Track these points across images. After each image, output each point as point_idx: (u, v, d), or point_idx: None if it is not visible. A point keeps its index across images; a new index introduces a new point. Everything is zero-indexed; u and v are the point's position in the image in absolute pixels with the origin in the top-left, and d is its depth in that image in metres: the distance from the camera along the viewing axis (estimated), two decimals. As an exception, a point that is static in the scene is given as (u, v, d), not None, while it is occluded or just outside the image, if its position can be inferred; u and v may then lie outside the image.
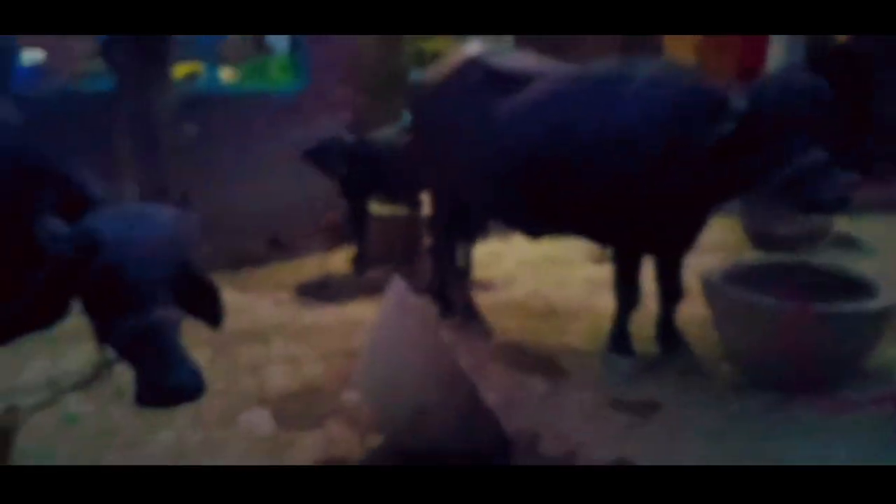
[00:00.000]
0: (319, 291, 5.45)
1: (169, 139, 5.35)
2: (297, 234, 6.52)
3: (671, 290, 4.18)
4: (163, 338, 2.27)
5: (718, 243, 6.37)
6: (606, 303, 4.30)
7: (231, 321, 4.60)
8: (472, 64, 4.26)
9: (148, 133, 5.24)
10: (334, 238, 6.42)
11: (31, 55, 6.77)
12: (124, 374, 2.46)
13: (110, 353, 2.37)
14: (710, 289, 3.97)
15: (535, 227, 4.35)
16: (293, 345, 4.43)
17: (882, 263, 5.93)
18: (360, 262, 5.87)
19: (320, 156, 5.69)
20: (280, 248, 6.45)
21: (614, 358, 4.13)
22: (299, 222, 6.55)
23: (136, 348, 2.26)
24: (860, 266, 5.73)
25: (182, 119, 5.58)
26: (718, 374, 4.06)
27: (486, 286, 5.53)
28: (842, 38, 8.56)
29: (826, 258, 5.95)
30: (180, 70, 6.81)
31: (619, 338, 4.16)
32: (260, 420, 3.52)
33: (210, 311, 2.60)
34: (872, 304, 3.69)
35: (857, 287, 3.95)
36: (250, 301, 5.14)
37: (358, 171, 5.64)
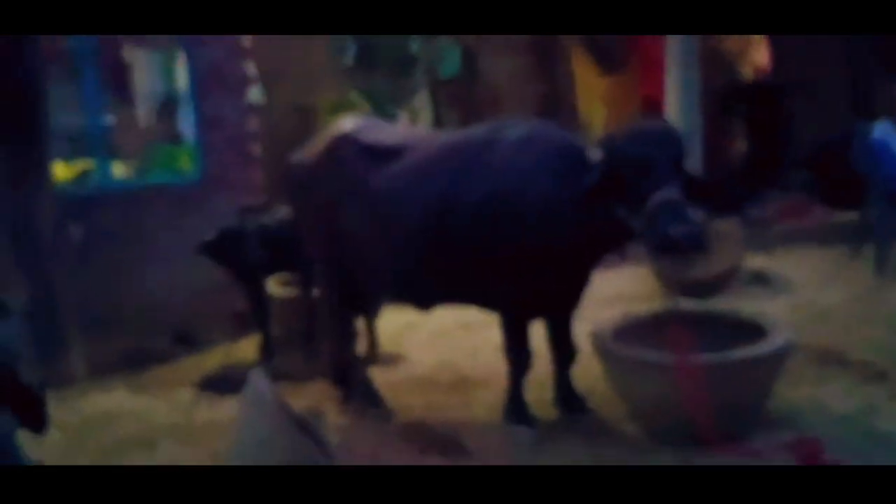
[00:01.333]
0: (222, 385, 5.21)
1: (52, 244, 5.14)
2: (203, 327, 6.30)
3: (564, 351, 4.09)
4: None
5: (632, 293, 6.32)
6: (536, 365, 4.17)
7: (118, 428, 4.46)
8: (345, 139, 4.18)
9: (28, 239, 5.03)
10: (241, 326, 6.20)
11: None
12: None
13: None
14: (597, 345, 3.88)
15: (422, 300, 4.23)
16: (182, 448, 4.18)
17: (797, 298, 5.94)
18: (266, 349, 5.65)
19: (218, 248, 5.51)
20: (186, 342, 6.21)
21: (513, 429, 3.98)
22: (205, 314, 6.34)
23: None
24: (775, 303, 5.77)
25: (68, 221, 5.40)
26: (623, 434, 3.95)
27: (395, 361, 5.38)
28: (749, 74, 8.76)
29: (740, 298, 5.96)
30: (70, 170, 6.65)
31: (516, 407, 4.03)
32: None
33: (34, 418, 2.52)
34: (761, 349, 3.61)
35: (752, 330, 3.88)
36: (143, 403, 4.89)
37: (250, 256, 5.46)
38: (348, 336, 4.55)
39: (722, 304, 5.80)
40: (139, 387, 5.25)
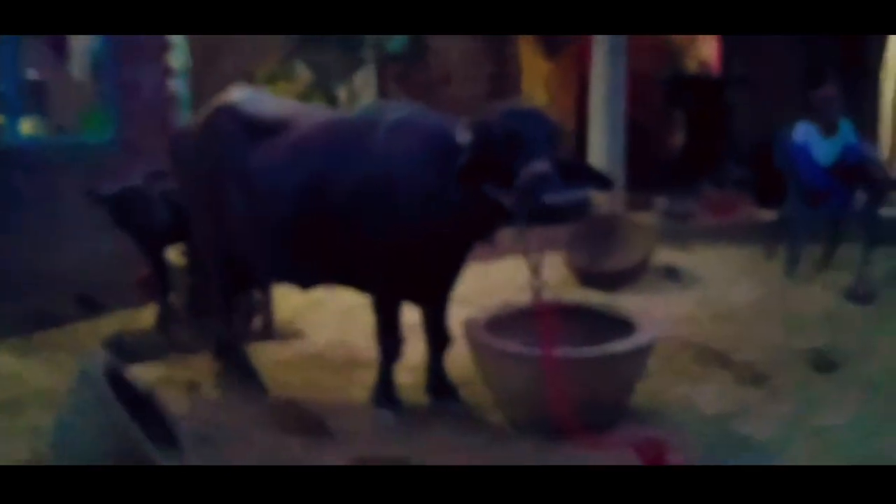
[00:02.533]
0: (115, 351, 5.10)
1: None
2: (109, 293, 6.19)
3: (437, 338, 4.06)
4: None
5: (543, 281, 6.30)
6: (411, 350, 4.13)
7: (-12, 391, 4.37)
8: (226, 111, 4.08)
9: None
10: (146, 293, 6.10)
11: None
12: None
13: None
14: (467, 334, 3.85)
15: (300, 278, 4.17)
16: (47, 414, 4.10)
17: (704, 295, 5.95)
18: (162, 318, 5.56)
19: (118, 205, 5.38)
20: (90, 306, 6.10)
21: (378, 411, 3.95)
22: (112, 280, 6.23)
23: None
24: (681, 298, 5.78)
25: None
26: (488, 423, 3.93)
27: (291, 337, 5.33)
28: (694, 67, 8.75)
29: (647, 292, 5.96)
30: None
31: (383, 390, 4.01)
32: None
33: None
34: (621, 345, 3.60)
35: (623, 325, 3.87)
36: (24, 366, 4.79)
37: (151, 221, 5.35)
38: (229, 311, 4.48)
39: (628, 296, 5.81)
40: (28, 349, 5.15)
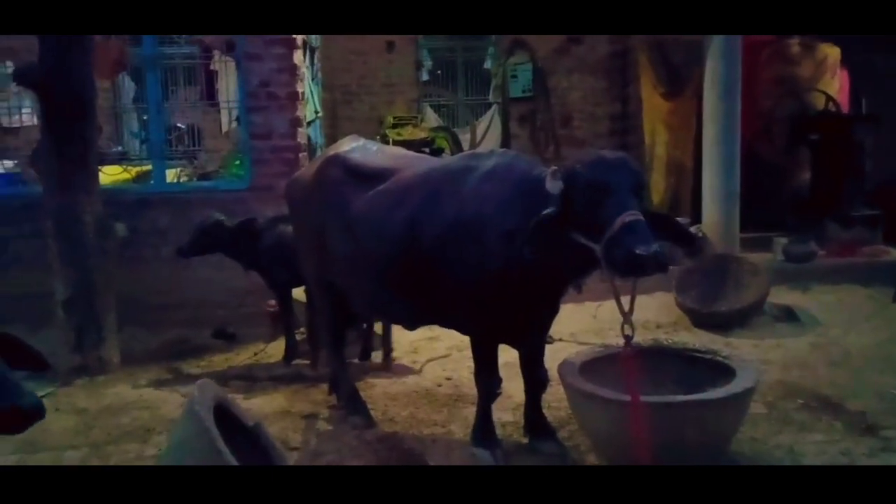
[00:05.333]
0: (237, 382, 5.51)
1: (94, 239, 5.58)
2: (243, 325, 6.66)
3: (533, 379, 4.13)
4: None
5: (655, 321, 6.26)
6: (515, 389, 4.28)
7: (126, 417, 4.80)
8: (334, 160, 4.39)
9: (71, 235, 5.49)
10: (276, 327, 6.52)
11: (5, 163, 7.27)
12: None
13: None
14: (561, 376, 3.93)
15: (400, 318, 4.38)
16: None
17: (820, 338, 5.74)
18: (288, 350, 5.94)
19: (230, 235, 5.83)
20: (225, 337, 6.58)
21: (475, 450, 4.07)
22: (245, 313, 6.71)
23: None
24: (796, 342, 5.60)
25: (112, 219, 5.86)
26: (580, 464, 3.97)
27: (404, 371, 5.56)
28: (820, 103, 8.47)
29: (761, 333, 5.81)
30: (130, 172, 7.19)
31: (481, 429, 4.10)
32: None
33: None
34: (712, 393, 3.58)
35: (724, 372, 3.84)
36: (160, 395, 5.24)
37: (273, 260, 5.76)
38: (337, 345, 4.75)
39: (740, 338, 5.70)
40: (164, 379, 5.62)
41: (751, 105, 7.14)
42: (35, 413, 2.50)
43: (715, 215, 6.82)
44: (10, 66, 7.08)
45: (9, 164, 7.25)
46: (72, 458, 4.20)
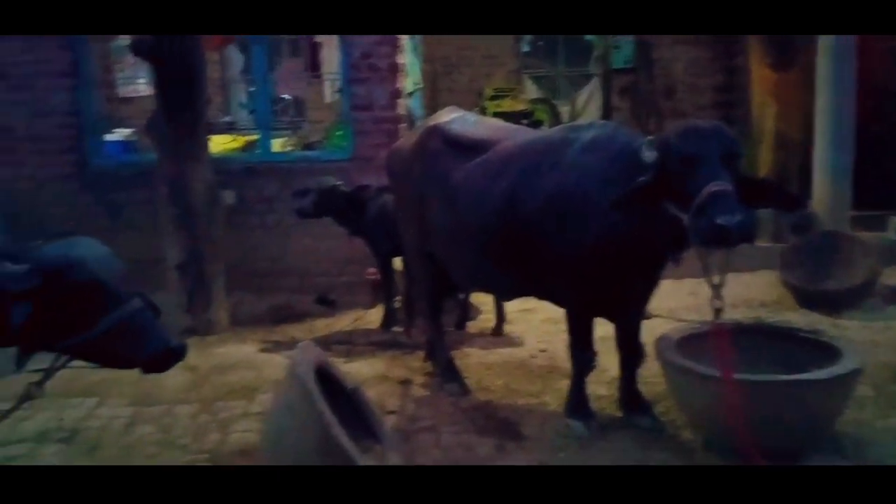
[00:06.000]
0: (337, 347, 5.67)
1: (204, 206, 5.82)
2: (344, 292, 6.84)
3: (629, 353, 4.12)
4: (147, 316, 2.75)
5: (759, 300, 6.10)
6: (610, 363, 4.29)
7: (233, 375, 5.02)
8: (434, 131, 4.43)
9: (183, 202, 5.74)
10: (376, 295, 6.66)
11: (121, 131, 7.62)
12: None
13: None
14: (658, 352, 3.89)
15: (497, 289, 4.42)
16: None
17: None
18: (386, 321, 6.07)
19: (300, 196, 6.01)
20: (327, 304, 6.77)
21: (569, 422, 4.09)
22: (347, 279, 6.88)
23: (122, 337, 2.66)
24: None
25: (221, 187, 6.09)
26: (677, 441, 3.94)
27: (499, 342, 5.61)
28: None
29: (869, 315, 5.59)
30: (238, 141, 7.42)
31: (575, 401, 4.13)
32: (196, 475, 3.75)
33: None
34: (806, 374, 3.49)
35: (828, 352, 3.74)
36: (264, 356, 5.44)
37: (378, 228, 5.87)
38: (434, 314, 4.83)
39: (849, 319, 5.50)
40: (268, 341, 5.83)
41: (865, 76, 6.78)
42: (181, 354, 2.78)
43: (825, 191, 6.55)
44: (127, 39, 7.38)
45: (125, 132, 7.58)
46: (183, 411, 4.43)
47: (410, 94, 7.63)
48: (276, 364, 5.27)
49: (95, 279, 2.68)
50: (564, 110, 10.19)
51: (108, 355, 2.76)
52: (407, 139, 4.71)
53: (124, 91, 8.82)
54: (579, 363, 4.08)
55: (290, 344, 5.73)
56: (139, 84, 8.67)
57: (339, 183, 5.96)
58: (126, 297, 2.74)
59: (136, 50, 5.68)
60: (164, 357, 2.76)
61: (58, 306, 2.64)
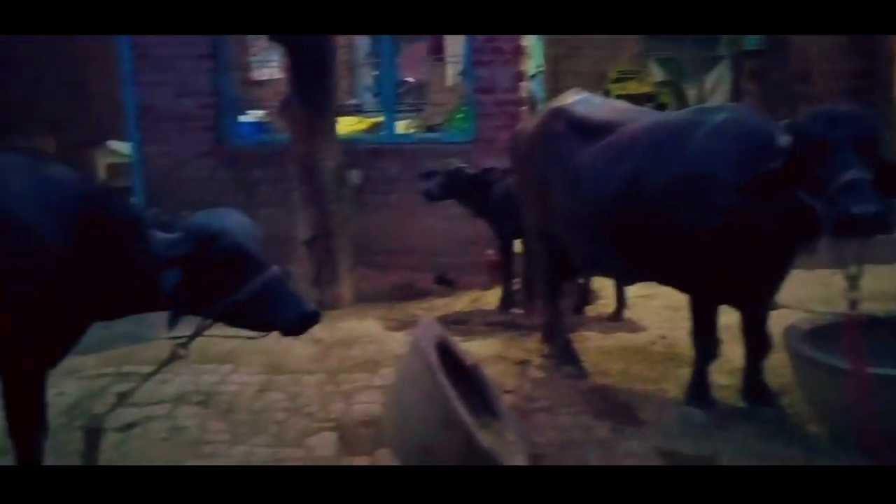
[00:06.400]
0: (455, 326, 5.77)
1: (333, 185, 6.03)
2: (463, 272, 6.93)
3: (755, 342, 4.02)
4: (286, 282, 2.94)
5: (884, 293, 5.79)
6: (734, 352, 4.21)
7: (357, 349, 5.20)
8: (558, 113, 4.43)
9: (313, 181, 5.96)
10: (495, 276, 6.72)
11: (256, 113, 7.97)
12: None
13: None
14: (786, 342, 3.79)
15: (618, 273, 4.39)
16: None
17: None
18: (503, 302, 6.12)
19: (428, 179, 6.11)
20: (446, 283, 6.89)
21: (689, 409, 4.03)
22: (466, 260, 6.97)
23: (263, 301, 2.85)
24: None
25: (348, 167, 6.28)
26: (801, 433, 3.83)
27: (618, 327, 5.57)
28: None
29: None
30: (364, 122, 7.62)
31: (697, 388, 4.07)
32: (325, 443, 3.89)
33: None
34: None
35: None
36: (386, 332, 5.60)
37: (500, 210, 5.92)
38: (553, 297, 4.84)
39: None
40: (391, 317, 5.99)
41: None
42: (316, 318, 2.95)
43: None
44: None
45: (258, 113, 7.92)
46: (309, 381, 4.63)
47: (533, 76, 7.63)
48: (397, 340, 5.41)
49: (240, 247, 2.86)
50: (691, 94, 9.91)
51: (250, 319, 2.94)
52: (530, 121, 4.74)
53: (257, 74, 9.21)
54: (702, 350, 4.01)
55: (410, 321, 5.91)
56: (271, 67, 9.03)
57: (464, 165, 6.04)
58: (266, 264, 2.91)
59: (272, 35, 5.92)
60: (301, 321, 2.92)
61: (206, 272, 2.82)
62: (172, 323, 2.93)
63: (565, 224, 4.40)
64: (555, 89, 8.99)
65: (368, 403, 4.32)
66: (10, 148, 3.19)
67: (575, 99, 4.49)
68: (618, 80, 9.26)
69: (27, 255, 2.75)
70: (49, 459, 3.23)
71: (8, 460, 3.18)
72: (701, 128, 3.76)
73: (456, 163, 6.05)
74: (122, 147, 8.59)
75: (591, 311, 5.93)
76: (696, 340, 4.03)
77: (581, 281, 5.80)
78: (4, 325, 2.78)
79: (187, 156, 7.18)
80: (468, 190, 6.03)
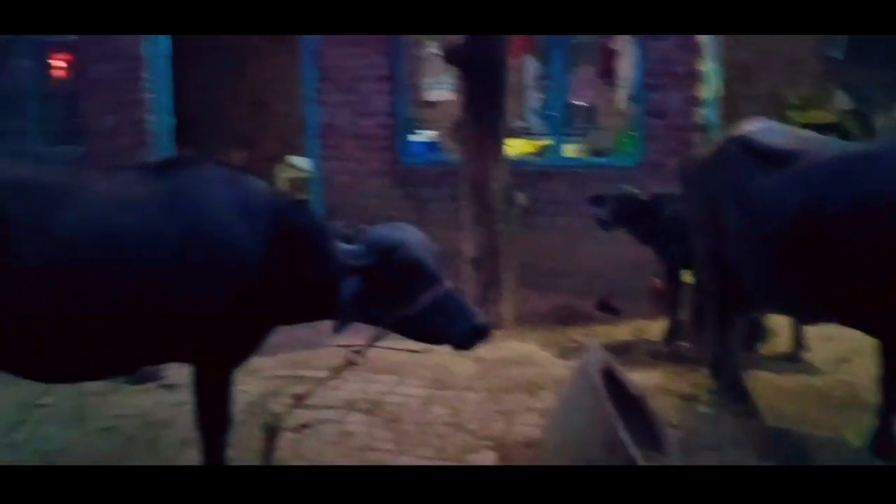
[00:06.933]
0: (617, 354, 5.66)
1: (501, 205, 6.10)
2: (626, 299, 6.82)
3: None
4: (458, 296, 3.08)
5: None
6: None
7: (517, 371, 5.23)
8: (737, 140, 4.29)
9: (481, 199, 6.06)
10: (659, 305, 6.56)
11: (427, 133, 8.22)
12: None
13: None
14: None
15: (796, 310, 4.19)
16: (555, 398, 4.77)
17: None
18: (669, 333, 5.96)
19: (598, 204, 6.03)
20: (608, 310, 6.79)
21: (875, 460, 3.78)
22: (629, 288, 6.85)
23: (437, 313, 2.98)
24: None
25: (516, 188, 6.34)
26: None
27: (791, 368, 5.30)
28: None
29: None
30: (532, 145, 7.67)
31: (882, 439, 3.82)
32: (485, 461, 3.92)
33: None
34: None
35: None
36: (545, 355, 5.58)
37: (669, 237, 5.78)
38: (724, 330, 4.67)
39: None
40: (551, 341, 5.98)
41: None
42: (486, 333, 3.07)
43: None
44: (433, 46, 7.92)
45: (429, 133, 8.15)
46: (471, 398, 4.70)
47: (707, 101, 7.43)
48: (556, 364, 5.40)
49: (418, 260, 2.97)
50: (879, 123, 9.29)
51: (424, 330, 3.04)
52: (706, 148, 4.61)
53: (429, 95, 9.48)
54: (891, 399, 3.75)
55: (570, 346, 5.88)
56: (442, 89, 9.27)
57: (636, 192, 5.95)
58: (441, 278, 3.00)
59: (449, 57, 6.08)
60: (472, 335, 2.98)
61: (385, 283, 2.95)
62: (338, 329, 3.07)
63: (741, 255, 4.23)
64: (728, 115, 8.72)
65: (529, 426, 4.33)
66: (208, 159, 3.45)
67: (755, 126, 4.32)
68: (797, 107, 8.82)
69: (229, 262, 2.97)
70: (231, 452, 3.46)
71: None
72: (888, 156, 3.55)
73: (625, 188, 5.98)
74: (301, 163, 9.08)
75: (764, 349, 5.67)
76: (884, 388, 3.78)
77: (753, 315, 5.55)
78: (206, 326, 3.01)
79: (364, 173, 7.49)
80: (638, 216, 5.94)
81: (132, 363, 3.30)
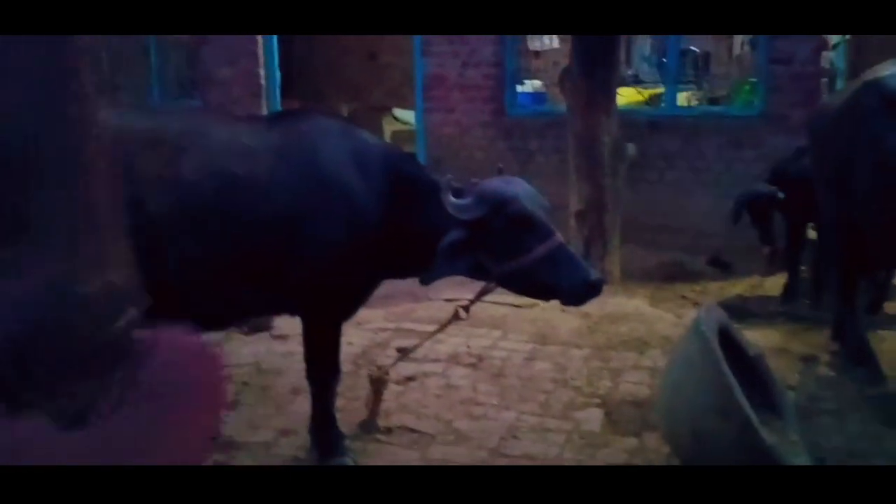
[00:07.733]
0: (732, 312, 5.45)
1: (608, 159, 5.93)
2: (739, 256, 6.55)
3: None
4: (571, 250, 3.03)
5: None
6: None
7: (623, 326, 5.13)
8: (872, 86, 3.98)
9: (589, 152, 5.90)
10: (775, 263, 6.28)
11: (533, 83, 8.06)
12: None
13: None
14: None
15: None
16: (662, 357, 4.63)
17: None
18: (788, 291, 5.70)
19: (747, 207, 5.68)
20: (720, 266, 6.55)
21: None
22: (743, 244, 6.57)
23: (549, 267, 2.93)
24: None
25: (625, 140, 6.14)
26: None
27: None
28: None
29: None
30: (643, 94, 7.41)
31: None
32: (592, 419, 3.87)
33: None
34: None
35: None
36: (655, 312, 5.44)
37: (796, 195, 5.47)
38: (849, 290, 4.42)
39: None
40: (659, 298, 5.82)
41: None
42: (599, 288, 3.00)
43: None
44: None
45: (535, 84, 7.99)
46: (576, 354, 4.63)
47: (835, 45, 6.98)
48: (665, 321, 5.27)
49: (529, 213, 2.91)
50: None
51: (534, 284, 2.99)
52: (837, 96, 4.30)
53: (533, 45, 9.28)
54: None
55: (680, 303, 5.71)
56: (547, 39, 9.06)
57: (775, 190, 5.47)
58: (553, 231, 2.93)
59: (556, 4, 5.89)
60: (585, 289, 2.91)
61: (496, 237, 2.90)
62: (426, 281, 3.03)
63: (872, 213, 3.96)
64: (856, 62, 8.19)
65: (636, 384, 4.25)
66: (314, 110, 3.47)
67: (892, 71, 3.99)
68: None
69: (345, 212, 2.99)
70: (339, 402, 3.51)
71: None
72: None
73: (762, 187, 5.58)
74: (406, 115, 9.09)
75: (889, 309, 5.36)
76: None
77: (881, 276, 5.24)
78: (318, 276, 3.04)
79: (470, 124, 7.42)
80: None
81: (248, 312, 3.39)
